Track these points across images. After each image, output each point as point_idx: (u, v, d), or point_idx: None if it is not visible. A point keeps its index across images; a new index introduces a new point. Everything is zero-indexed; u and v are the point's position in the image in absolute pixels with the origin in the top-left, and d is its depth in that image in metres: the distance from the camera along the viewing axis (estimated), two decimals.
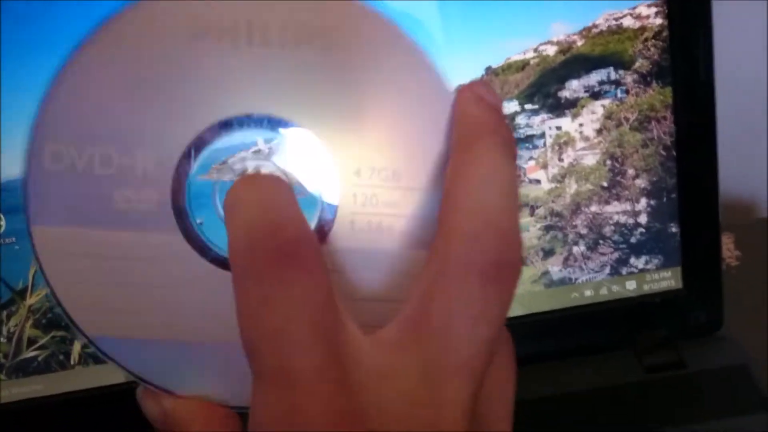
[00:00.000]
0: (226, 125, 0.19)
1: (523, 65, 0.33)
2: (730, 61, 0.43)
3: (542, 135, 0.34)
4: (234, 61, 0.19)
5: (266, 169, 0.20)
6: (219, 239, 0.19)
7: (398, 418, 0.16)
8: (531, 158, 0.35)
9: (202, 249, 0.20)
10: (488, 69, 0.33)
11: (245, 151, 0.20)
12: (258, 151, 0.20)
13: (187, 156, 0.19)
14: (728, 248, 0.45)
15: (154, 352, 0.19)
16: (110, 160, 0.19)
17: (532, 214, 0.35)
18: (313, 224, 0.19)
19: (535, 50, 0.33)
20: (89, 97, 0.19)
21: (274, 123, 0.19)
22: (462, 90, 0.20)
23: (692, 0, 0.33)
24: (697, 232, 0.36)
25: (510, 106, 0.34)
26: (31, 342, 0.37)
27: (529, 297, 0.36)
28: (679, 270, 0.36)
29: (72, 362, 0.37)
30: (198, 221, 0.20)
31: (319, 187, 0.20)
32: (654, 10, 0.33)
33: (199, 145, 0.19)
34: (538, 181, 0.35)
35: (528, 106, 0.34)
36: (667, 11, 0.33)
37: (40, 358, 0.37)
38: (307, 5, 0.19)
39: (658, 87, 0.34)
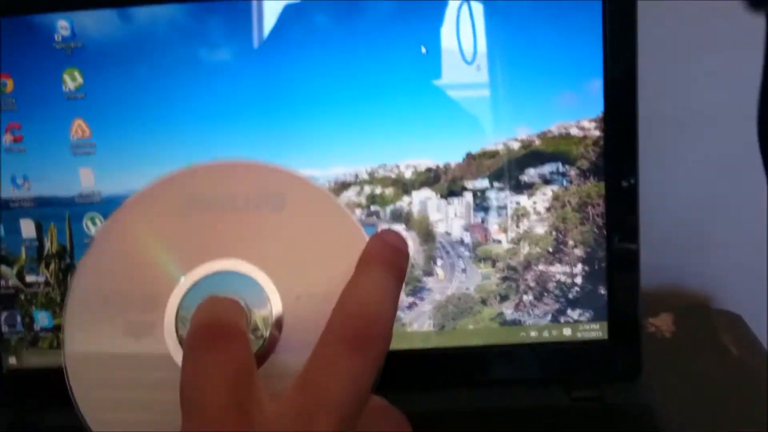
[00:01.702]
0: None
1: (494, 154, 0.45)
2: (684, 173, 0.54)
3: (505, 207, 0.45)
4: (211, 223, 0.27)
5: (222, 293, 0.25)
6: None
7: None
8: (495, 223, 0.46)
9: None
10: (468, 154, 0.45)
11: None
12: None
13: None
14: (666, 323, 0.55)
15: None
16: (125, 293, 0.27)
17: (493, 266, 0.46)
18: (267, 331, 0.26)
19: (504, 144, 0.44)
20: (111, 262, 0.27)
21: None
22: (374, 234, 0.26)
23: (623, 119, 0.44)
24: (620, 296, 0.45)
25: (483, 183, 0.45)
26: None
27: (486, 331, 0.46)
28: (606, 324, 0.46)
29: None
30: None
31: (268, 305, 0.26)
32: (594, 124, 0.44)
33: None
34: (499, 241, 0.46)
35: (496, 184, 0.45)
36: (603, 126, 0.44)
37: None
38: (262, 178, 0.27)
39: (594, 181, 0.45)
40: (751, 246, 0.60)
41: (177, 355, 0.26)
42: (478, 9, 0.43)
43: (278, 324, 0.26)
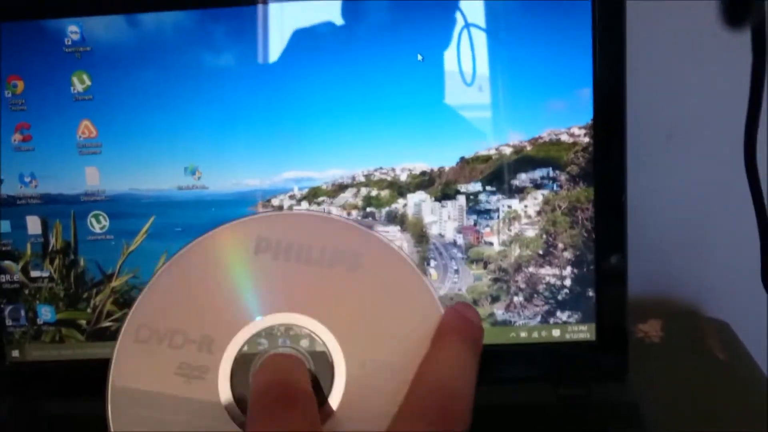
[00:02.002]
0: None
1: (487, 159, 0.46)
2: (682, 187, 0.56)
3: (497, 210, 0.47)
4: (283, 272, 0.26)
5: (287, 350, 0.25)
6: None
7: None
8: (487, 226, 0.47)
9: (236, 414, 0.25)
10: (462, 158, 0.46)
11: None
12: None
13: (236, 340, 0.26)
14: (655, 329, 0.56)
15: None
16: (181, 338, 0.25)
17: (485, 268, 0.47)
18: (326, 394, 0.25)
19: (497, 149, 0.46)
20: (169, 294, 0.26)
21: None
22: (448, 308, 0.26)
23: (611, 127, 0.45)
24: (608, 299, 0.47)
25: (476, 187, 0.47)
26: (108, 315, 0.49)
27: None
28: (594, 326, 0.47)
29: None
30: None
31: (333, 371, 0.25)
32: (584, 131, 0.46)
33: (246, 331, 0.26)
34: (491, 244, 0.47)
35: (488, 188, 0.47)
36: (593, 133, 0.46)
37: (112, 328, 0.49)
38: (340, 234, 0.26)
39: (584, 186, 0.46)
40: (740, 255, 0.61)
41: (227, 404, 0.25)
42: (478, 32, 0.45)
43: (339, 388, 0.25)
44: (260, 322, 0.26)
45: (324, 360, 0.25)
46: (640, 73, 0.55)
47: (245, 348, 0.26)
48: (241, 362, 0.25)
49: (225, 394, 0.25)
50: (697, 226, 0.62)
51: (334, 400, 0.25)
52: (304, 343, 0.26)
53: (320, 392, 0.25)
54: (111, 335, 0.49)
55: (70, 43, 0.46)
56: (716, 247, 0.62)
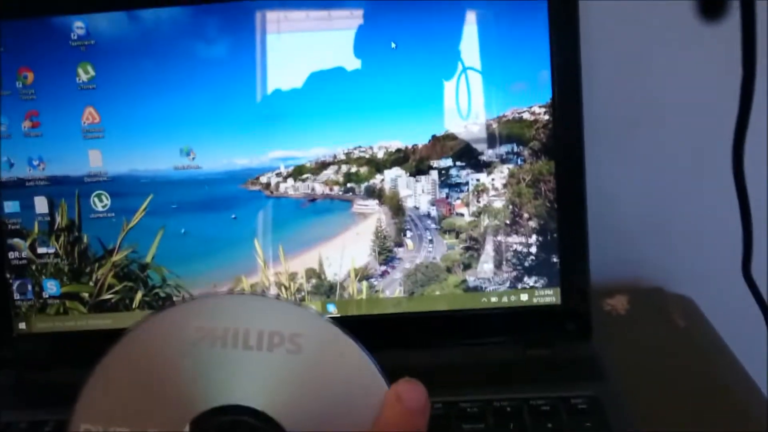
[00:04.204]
0: (218, 411, 0.25)
1: (456, 136, 0.50)
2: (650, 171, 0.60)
3: (467, 183, 0.51)
4: (222, 360, 0.25)
5: None
6: None
7: None
8: (458, 198, 0.51)
9: None
10: (434, 136, 0.51)
11: None
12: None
13: None
14: (621, 303, 0.60)
15: None
16: None
17: (457, 237, 0.51)
18: None
19: (465, 127, 0.50)
20: (110, 391, 0.25)
21: (251, 411, 0.25)
22: (389, 392, 0.25)
23: (569, 105, 0.50)
24: (571, 264, 0.51)
25: (446, 162, 0.51)
26: (110, 287, 0.52)
27: (452, 297, 0.51)
28: (559, 290, 0.51)
29: (134, 306, 0.53)
30: None
31: None
32: (544, 110, 0.50)
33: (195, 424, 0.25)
34: (462, 215, 0.51)
35: (458, 163, 0.51)
36: (552, 111, 0.50)
37: (113, 300, 0.52)
38: (276, 315, 0.25)
39: (546, 160, 0.50)
40: (703, 237, 0.65)
41: None
42: (447, 22, 0.50)
43: None
44: (202, 416, 0.25)
45: None
46: (606, 60, 0.60)
47: None
48: None
49: None
50: (662, 211, 0.66)
51: None
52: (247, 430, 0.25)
53: None
54: (112, 307, 0.52)
55: (75, 37, 0.51)
56: (681, 231, 0.66)
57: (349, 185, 0.52)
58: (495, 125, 0.50)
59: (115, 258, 0.52)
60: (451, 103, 0.50)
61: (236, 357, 0.25)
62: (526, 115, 0.50)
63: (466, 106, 0.50)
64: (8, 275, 0.53)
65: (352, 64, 0.50)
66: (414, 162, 0.51)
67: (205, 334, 0.25)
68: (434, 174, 0.51)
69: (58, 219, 0.52)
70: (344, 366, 0.26)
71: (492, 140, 0.50)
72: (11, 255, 0.53)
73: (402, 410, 0.24)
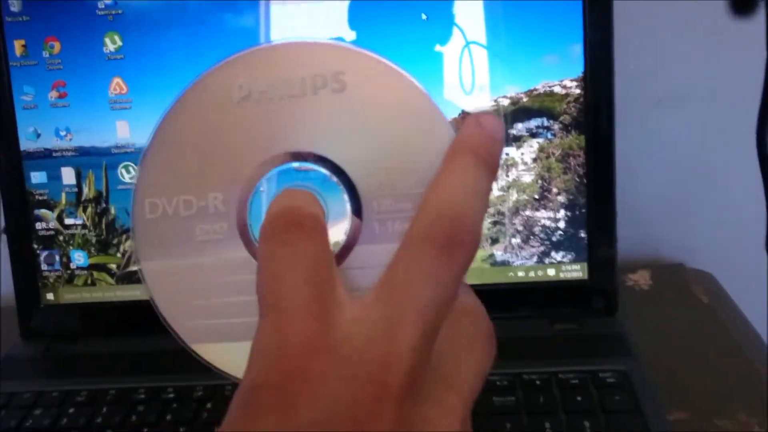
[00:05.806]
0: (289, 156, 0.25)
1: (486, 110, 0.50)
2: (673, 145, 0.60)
3: None
4: (269, 115, 0.24)
5: (298, 186, 0.24)
6: None
7: (359, 349, 0.19)
8: None
9: None
10: (463, 111, 0.50)
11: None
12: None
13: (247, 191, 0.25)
14: (644, 278, 0.60)
15: (241, 352, 0.21)
16: (191, 205, 0.25)
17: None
18: (345, 230, 0.24)
19: (495, 101, 0.50)
20: (166, 162, 0.25)
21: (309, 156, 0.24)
22: (467, 118, 0.23)
23: (600, 79, 0.49)
24: (599, 240, 0.51)
25: None
26: None
27: (479, 271, 0.52)
28: (586, 265, 0.51)
29: None
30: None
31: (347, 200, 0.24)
32: (575, 83, 0.50)
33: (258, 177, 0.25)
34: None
35: None
36: (584, 85, 0.49)
37: None
38: (314, 56, 0.24)
39: (576, 134, 0.50)
40: (725, 213, 0.65)
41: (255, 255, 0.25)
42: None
43: (356, 220, 0.24)
44: (263, 169, 0.25)
45: (335, 193, 0.24)
46: (632, 39, 0.59)
47: (256, 197, 0.25)
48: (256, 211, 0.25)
49: (250, 246, 0.25)
50: (683, 187, 0.66)
51: (350, 234, 0.24)
52: (314, 179, 0.25)
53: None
54: (139, 279, 0.52)
55: (102, 6, 0.50)
56: (701, 206, 0.66)
57: None
58: (525, 99, 0.50)
59: None
60: (481, 76, 0.50)
61: (282, 108, 0.24)
62: (556, 89, 0.50)
63: (497, 80, 0.50)
64: (36, 246, 0.53)
65: (381, 36, 0.49)
66: None
67: (247, 91, 0.24)
68: None
69: (86, 190, 0.52)
70: (401, 102, 0.24)
71: (522, 114, 0.50)
72: (38, 226, 0.53)
73: (483, 133, 0.22)
